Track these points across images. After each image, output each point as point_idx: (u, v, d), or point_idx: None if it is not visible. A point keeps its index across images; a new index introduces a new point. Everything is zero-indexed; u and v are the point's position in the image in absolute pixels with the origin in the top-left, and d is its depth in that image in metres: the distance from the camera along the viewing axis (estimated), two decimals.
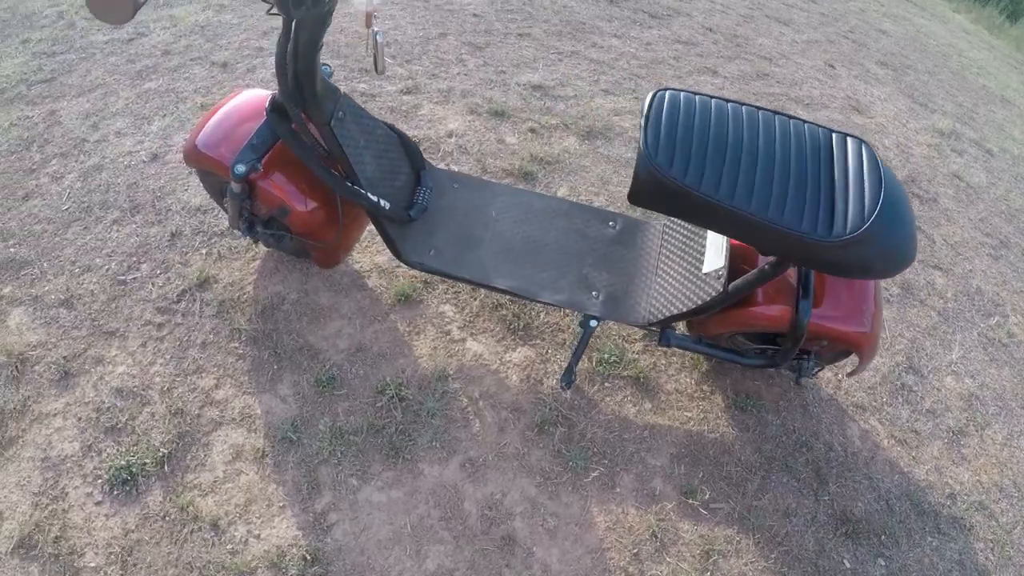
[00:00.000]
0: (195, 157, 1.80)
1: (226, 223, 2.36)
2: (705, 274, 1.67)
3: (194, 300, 2.13)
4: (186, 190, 2.49)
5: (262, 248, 2.28)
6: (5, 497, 1.63)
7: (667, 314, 1.72)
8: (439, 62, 3.24)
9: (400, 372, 2.00)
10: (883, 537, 1.76)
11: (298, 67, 1.43)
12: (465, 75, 3.16)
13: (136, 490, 1.67)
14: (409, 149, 1.94)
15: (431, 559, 1.60)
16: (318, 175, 1.66)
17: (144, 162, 2.61)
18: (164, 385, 1.91)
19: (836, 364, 1.96)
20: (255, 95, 1.83)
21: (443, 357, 2.04)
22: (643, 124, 1.33)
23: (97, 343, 2.01)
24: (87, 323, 2.05)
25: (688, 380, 2.03)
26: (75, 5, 3.33)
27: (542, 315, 2.16)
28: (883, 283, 2.44)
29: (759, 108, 1.39)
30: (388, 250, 1.88)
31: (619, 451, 1.85)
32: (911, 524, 1.81)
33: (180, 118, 2.82)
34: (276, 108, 1.64)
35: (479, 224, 1.97)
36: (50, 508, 1.62)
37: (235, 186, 1.68)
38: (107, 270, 2.21)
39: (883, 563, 1.72)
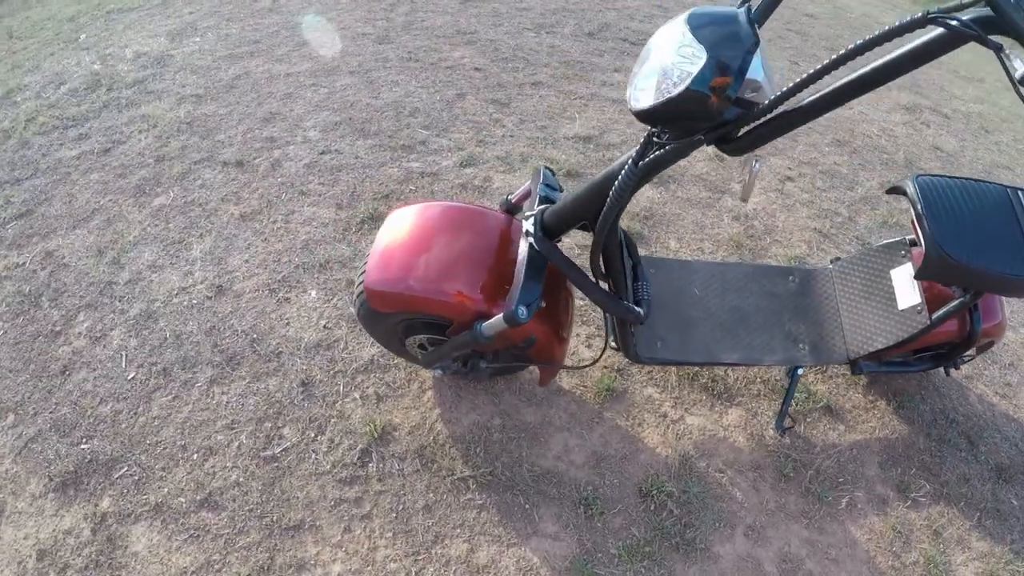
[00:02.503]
0: (392, 300, 1.45)
1: (363, 354, 1.97)
2: (903, 310, 1.78)
3: (383, 458, 1.73)
4: (287, 324, 2.04)
5: (422, 376, 1.93)
6: None
7: (872, 349, 1.80)
8: (476, 126, 3.02)
9: (649, 467, 1.78)
10: None
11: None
12: (511, 137, 2.97)
13: None
14: (628, 243, 1.77)
15: None
16: (594, 296, 1.42)
17: (209, 298, 2.11)
18: (405, 571, 1.52)
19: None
20: (416, 213, 1.54)
21: (674, 439, 1.86)
22: (922, 214, 1.50)
23: (284, 544, 1.55)
24: (254, 523, 1.58)
25: (858, 396, 2.06)
26: (21, 120, 2.62)
27: (730, 374, 2.08)
28: None
29: (995, 183, 1.61)
30: (623, 353, 1.69)
31: (846, 473, 1.84)
32: None
33: (224, 236, 2.33)
34: (545, 230, 1.38)
35: (688, 305, 1.89)
36: None
37: (491, 330, 1.38)
38: (239, 447, 1.73)
39: None
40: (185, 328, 2.01)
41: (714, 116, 0.94)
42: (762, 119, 0.95)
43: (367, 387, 1.89)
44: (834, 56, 0.81)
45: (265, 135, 2.81)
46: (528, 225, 1.35)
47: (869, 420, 1.98)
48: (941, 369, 2.00)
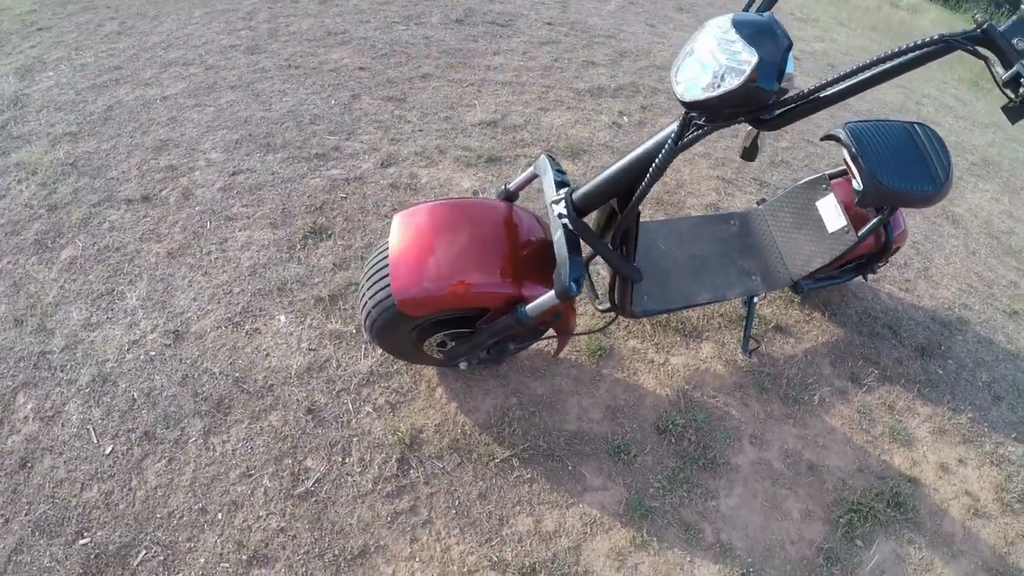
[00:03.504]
0: (429, 303, 1.47)
1: (359, 367, 1.91)
2: (833, 232, 2.12)
3: (422, 461, 1.72)
4: (266, 355, 1.92)
5: (426, 376, 1.92)
6: None
7: (811, 269, 2.12)
8: (381, 125, 2.96)
9: (656, 408, 1.96)
10: (941, 348, 2.42)
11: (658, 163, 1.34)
12: (420, 131, 2.95)
13: None
14: None
15: (792, 509, 1.79)
16: (613, 262, 1.54)
17: (168, 346, 1.90)
18: (486, 559, 1.56)
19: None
20: (423, 215, 1.55)
21: (667, 379, 2.06)
22: (856, 154, 1.81)
23: (356, 574, 1.51)
24: (316, 563, 1.51)
25: (797, 313, 2.41)
26: None
27: (693, 315, 2.32)
28: None
29: (897, 121, 1.98)
30: (619, 311, 1.82)
31: (808, 376, 2.17)
32: (942, 332, 2.52)
33: (158, 278, 2.09)
34: (576, 208, 1.46)
35: (658, 259, 2.08)
36: None
37: (537, 310, 1.45)
38: (266, 493, 1.62)
39: (951, 361, 2.36)
40: (153, 384, 1.81)
41: (761, 104, 1.10)
42: (794, 104, 1.14)
43: (376, 398, 1.86)
44: (862, 63, 1.04)
45: (163, 164, 2.53)
46: (560, 208, 1.42)
47: (811, 330, 2.34)
48: (860, 277, 2.37)
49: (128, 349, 1.89)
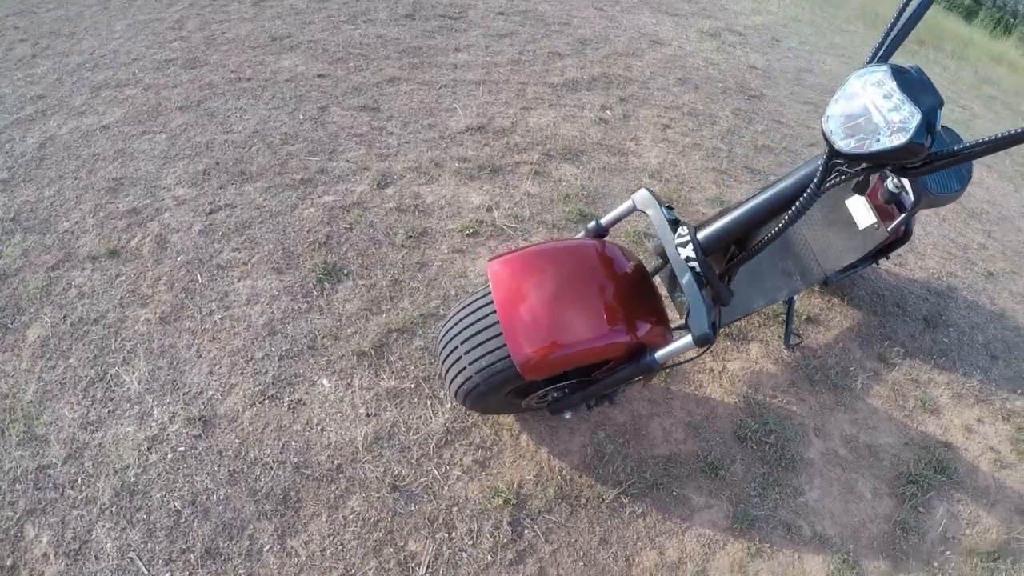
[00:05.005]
0: (553, 364, 1.32)
1: (432, 426, 1.71)
2: (864, 229, 2.18)
3: (534, 519, 1.57)
4: (322, 430, 1.66)
5: (503, 424, 1.76)
6: None
7: (844, 264, 2.18)
8: (362, 139, 2.66)
9: (731, 417, 1.94)
10: (942, 317, 2.63)
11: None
12: (406, 143, 2.69)
13: None
14: None
15: (864, 490, 1.84)
16: (725, 299, 1.47)
17: (199, 437, 1.60)
18: None
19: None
20: (524, 266, 1.39)
21: (730, 386, 2.03)
22: None
23: None
24: None
25: (820, 301, 2.48)
26: None
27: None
28: None
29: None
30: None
31: (844, 362, 2.25)
32: (939, 302, 2.73)
33: (157, 352, 1.75)
34: (703, 248, 1.36)
35: None
36: None
37: (668, 357, 1.36)
38: None
39: (952, 329, 2.56)
40: (195, 488, 1.50)
41: (912, 157, 1.07)
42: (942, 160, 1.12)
43: (462, 458, 1.67)
44: (1006, 133, 1.03)
45: (123, 208, 2.11)
46: (688, 252, 1.32)
47: (835, 316, 2.41)
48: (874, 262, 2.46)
49: (149, 448, 1.57)
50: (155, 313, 1.86)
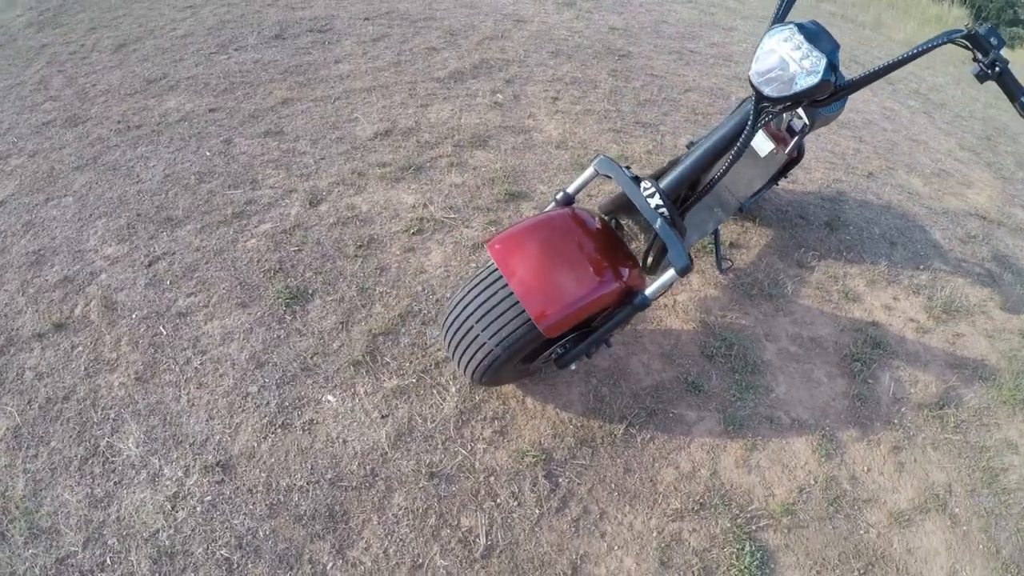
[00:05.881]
0: (567, 320, 1.45)
1: (444, 410, 1.79)
2: (765, 156, 2.47)
3: (564, 468, 1.71)
4: (344, 441, 1.68)
5: (504, 393, 1.87)
6: None
7: (754, 190, 2.48)
8: (277, 164, 2.61)
9: (694, 340, 2.18)
10: (840, 219, 3.06)
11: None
12: (323, 159, 2.67)
13: None
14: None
15: (820, 376, 2.18)
16: (681, 229, 1.66)
17: (221, 482, 1.57)
18: (664, 515, 1.64)
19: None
20: (520, 241, 1.52)
21: (684, 315, 2.27)
22: None
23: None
24: None
25: (736, 227, 2.78)
26: None
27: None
28: None
29: None
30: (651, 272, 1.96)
31: (771, 274, 2.58)
32: (834, 207, 3.20)
33: (143, 411, 1.67)
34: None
35: None
36: None
37: (657, 293, 1.54)
38: (448, 572, 1.48)
39: (851, 227, 3.03)
40: (236, 531, 1.48)
41: (824, 94, 1.36)
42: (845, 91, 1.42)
43: (482, 432, 1.77)
44: (890, 60, 1.36)
45: (53, 280, 1.95)
46: (657, 200, 1.50)
47: (752, 237, 2.74)
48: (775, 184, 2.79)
49: (174, 507, 1.51)
50: (128, 375, 1.76)
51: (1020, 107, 1.38)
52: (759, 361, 2.17)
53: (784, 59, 1.32)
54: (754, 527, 1.72)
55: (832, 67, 1.31)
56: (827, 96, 1.42)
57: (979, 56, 1.35)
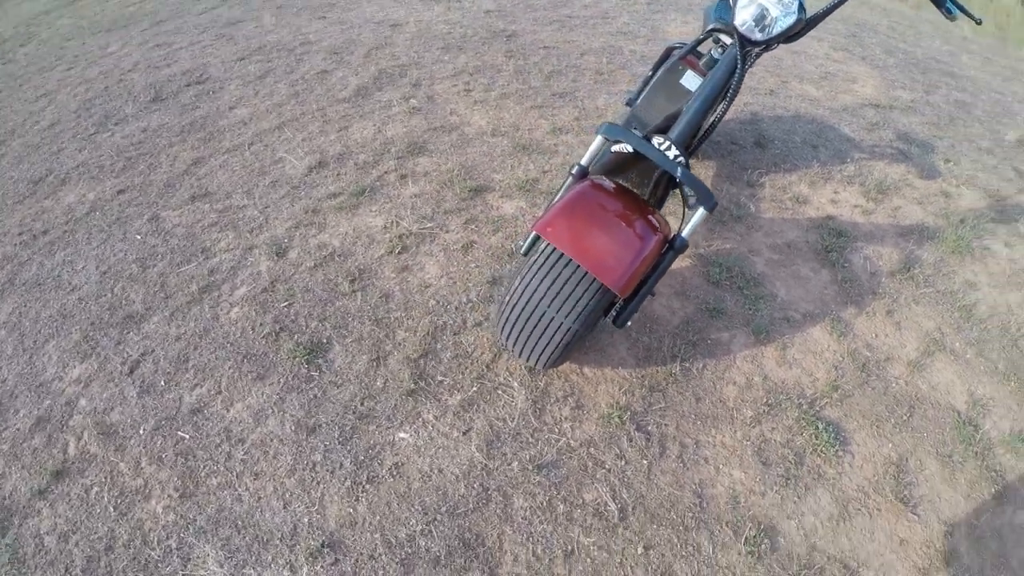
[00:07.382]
0: (634, 277, 1.50)
1: (515, 406, 1.76)
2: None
3: (650, 415, 1.75)
4: (439, 470, 1.60)
5: (564, 371, 1.88)
6: None
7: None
8: (223, 227, 2.37)
9: (697, 273, 2.31)
10: (765, 136, 3.35)
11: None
12: (268, 208, 2.46)
13: None
14: None
15: (803, 270, 2.41)
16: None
17: (336, 561, 1.46)
18: (716, 448, 1.73)
19: None
20: (568, 215, 1.55)
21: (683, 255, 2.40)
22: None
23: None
24: (712, 526, 1.48)
25: (696, 163, 2.98)
26: None
27: None
28: None
29: None
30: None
31: (730, 197, 2.78)
32: (755, 128, 3.49)
33: (207, 527, 1.49)
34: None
35: None
36: None
37: (692, 231, 1.61)
38: (599, 544, 1.47)
39: (776, 141, 3.28)
40: None
41: (796, 31, 1.61)
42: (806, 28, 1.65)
43: (562, 412, 1.78)
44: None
45: (24, 426, 1.64)
46: (675, 151, 1.56)
47: (700, 170, 2.92)
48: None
49: None
50: (169, 495, 1.55)
51: (945, 11, 1.66)
52: (755, 275, 2.33)
53: (763, 6, 1.57)
54: (817, 409, 1.88)
55: (801, 6, 1.57)
56: (798, 31, 1.65)
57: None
